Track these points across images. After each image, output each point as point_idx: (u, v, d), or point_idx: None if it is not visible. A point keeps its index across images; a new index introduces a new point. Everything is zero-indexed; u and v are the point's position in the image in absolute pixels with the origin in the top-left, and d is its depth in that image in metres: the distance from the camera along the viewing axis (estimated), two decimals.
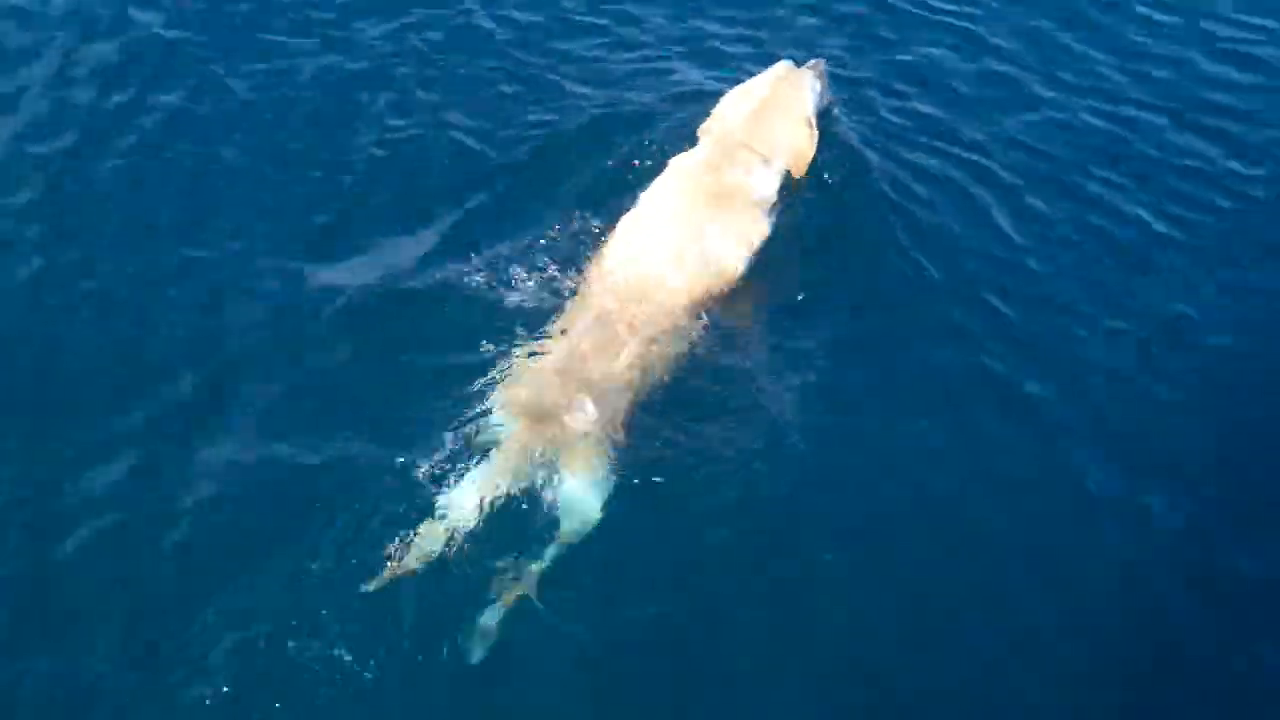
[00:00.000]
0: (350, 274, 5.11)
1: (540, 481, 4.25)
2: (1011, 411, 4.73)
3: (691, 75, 6.40)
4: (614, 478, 4.29)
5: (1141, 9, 6.93)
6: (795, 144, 5.23)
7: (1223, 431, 4.72)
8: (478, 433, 4.34)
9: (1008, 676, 3.96)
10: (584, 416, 4.33)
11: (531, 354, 4.61)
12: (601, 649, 3.91)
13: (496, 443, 4.30)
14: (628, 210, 5.10)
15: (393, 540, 4.04)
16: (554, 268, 5.00)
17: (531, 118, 6.00)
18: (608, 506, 4.23)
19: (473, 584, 4.02)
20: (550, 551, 4.12)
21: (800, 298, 5.07)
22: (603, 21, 6.77)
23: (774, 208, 5.15)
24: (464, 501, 4.16)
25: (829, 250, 5.28)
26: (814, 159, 5.29)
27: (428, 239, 5.31)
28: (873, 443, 4.60)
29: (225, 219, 5.46)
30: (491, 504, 4.15)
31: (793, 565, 4.22)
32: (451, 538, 4.08)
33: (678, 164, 5.17)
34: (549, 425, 4.32)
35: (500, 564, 4.06)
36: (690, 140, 5.37)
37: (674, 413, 4.53)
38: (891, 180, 5.65)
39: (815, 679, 3.92)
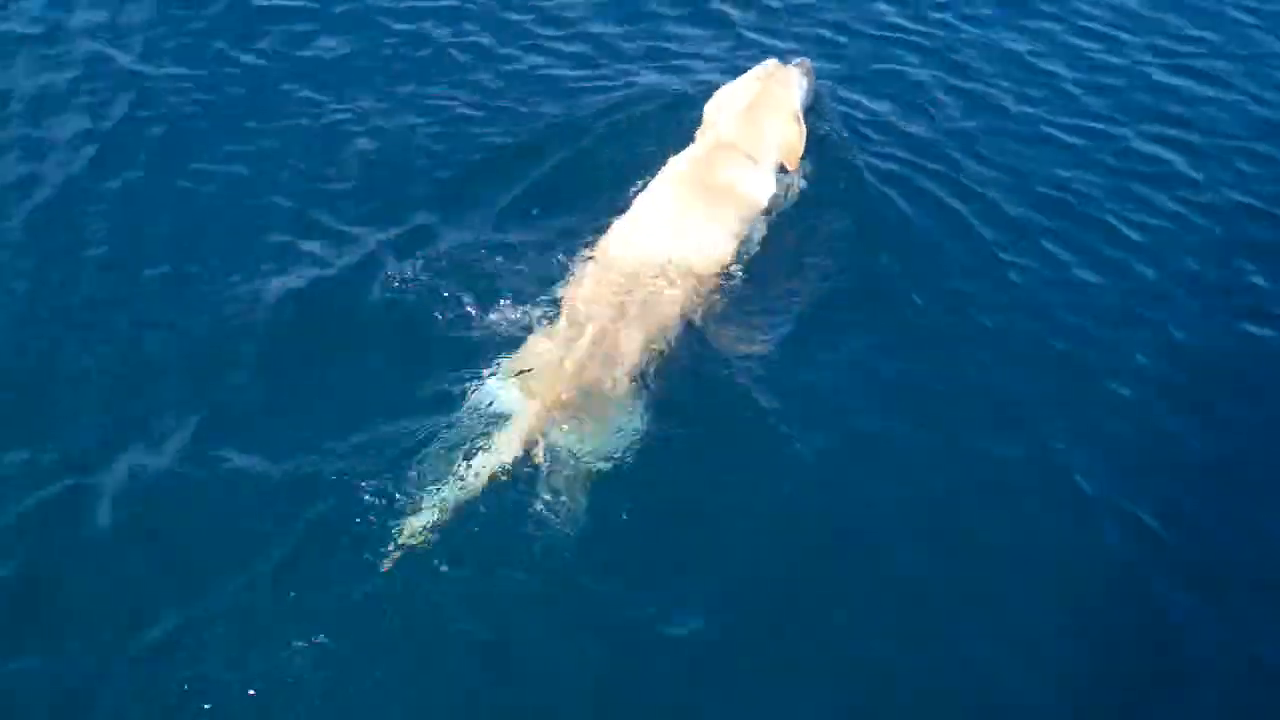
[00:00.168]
0: (346, 271, 5.16)
1: (548, 443, 4.35)
2: (1002, 413, 4.78)
3: (679, 76, 6.55)
4: (620, 427, 4.42)
5: (1101, 27, 7.09)
6: (786, 138, 5.47)
7: (1210, 430, 4.77)
8: (484, 409, 4.45)
9: (1006, 678, 3.97)
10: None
11: (533, 336, 4.72)
12: (595, 645, 3.94)
13: (502, 417, 4.41)
14: (627, 204, 5.25)
15: (403, 517, 4.10)
16: (557, 259, 5.13)
17: (526, 122, 6.10)
18: (619, 446, 4.37)
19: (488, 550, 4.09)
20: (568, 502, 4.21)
21: (791, 289, 5.19)
22: (594, 29, 6.93)
23: (766, 201, 5.31)
24: (475, 470, 4.22)
25: (819, 245, 5.39)
26: (803, 153, 5.46)
27: (425, 238, 5.34)
28: (861, 432, 4.66)
29: (217, 224, 5.48)
30: (502, 469, 4.23)
31: (782, 545, 4.28)
32: (466, 503, 4.15)
33: (674, 161, 5.37)
34: (551, 397, 4.44)
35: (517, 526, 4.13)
36: (685, 138, 5.55)
37: (663, 399, 4.62)
38: (877, 181, 5.78)
39: (813, 676, 3.94)
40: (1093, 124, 6.34)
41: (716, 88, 5.79)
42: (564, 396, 4.45)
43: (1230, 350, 5.15)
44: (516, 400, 4.46)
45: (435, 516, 4.09)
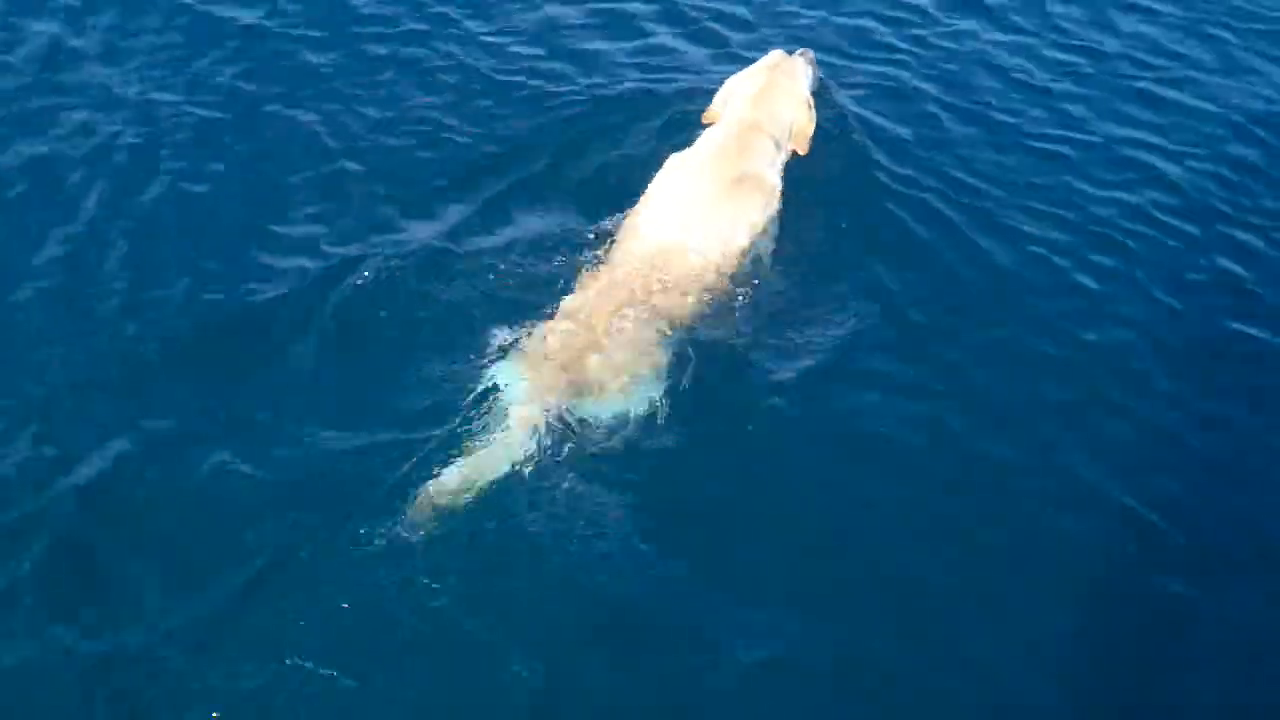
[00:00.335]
0: (377, 251, 5.24)
1: (556, 428, 4.42)
2: (1002, 412, 4.86)
3: (690, 68, 6.74)
4: (638, 398, 4.52)
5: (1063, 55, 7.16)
6: (796, 123, 5.65)
7: (1203, 426, 4.86)
8: (495, 395, 4.51)
9: (1009, 673, 4.02)
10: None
11: (554, 315, 4.82)
12: (596, 638, 3.97)
13: (512, 402, 4.46)
14: (640, 194, 5.37)
15: (412, 500, 4.15)
16: (576, 242, 5.26)
17: (544, 111, 6.23)
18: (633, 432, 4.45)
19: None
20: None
21: (805, 275, 5.30)
22: (600, 21, 7.10)
23: (778, 187, 5.46)
24: (484, 454, 4.28)
25: (830, 231, 5.56)
26: (813, 138, 5.65)
27: (448, 222, 5.45)
28: (864, 432, 4.73)
29: (225, 220, 5.54)
30: (510, 454, 4.29)
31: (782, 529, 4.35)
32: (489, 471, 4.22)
33: (688, 150, 5.53)
34: (570, 372, 4.56)
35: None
36: (697, 127, 5.72)
37: (670, 386, 4.69)
38: (880, 192, 5.89)
39: (818, 673, 3.97)
40: (1077, 134, 6.43)
41: (719, 83, 5.92)
42: (573, 382, 4.53)
43: (1219, 349, 5.22)
44: (527, 386, 4.52)
45: (444, 499, 4.13)
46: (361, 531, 4.06)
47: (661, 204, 5.25)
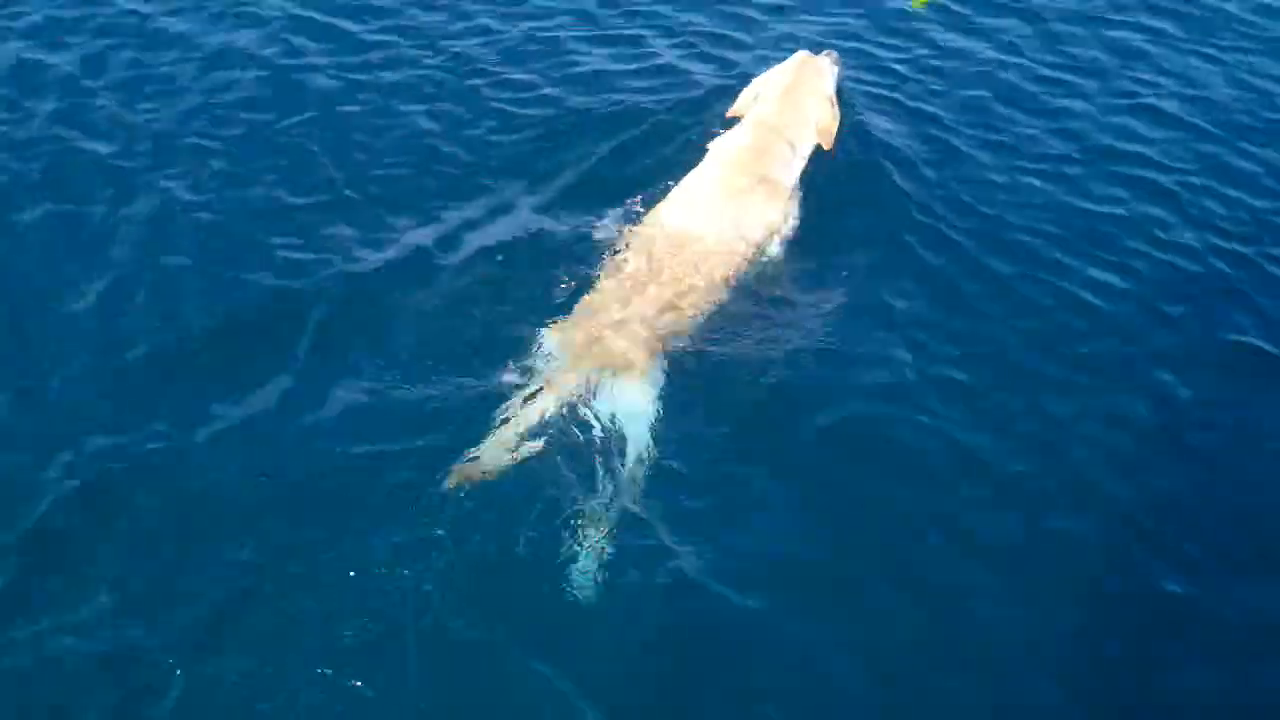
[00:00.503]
0: (418, 240, 5.54)
1: (594, 392, 4.64)
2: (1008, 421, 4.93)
3: (718, 68, 7.01)
4: (661, 387, 4.71)
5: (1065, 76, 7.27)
6: (821, 120, 5.90)
7: (1195, 438, 4.91)
8: (537, 362, 4.77)
9: (1006, 677, 4.06)
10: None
11: (584, 302, 5.05)
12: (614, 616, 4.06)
13: (554, 369, 4.71)
14: (673, 184, 5.64)
15: (461, 458, 4.32)
16: (608, 230, 5.50)
17: (572, 115, 6.51)
18: (656, 410, 4.63)
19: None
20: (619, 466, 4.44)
21: (818, 265, 5.52)
22: (634, 28, 7.42)
23: (795, 188, 5.70)
24: (527, 415, 4.48)
25: (847, 224, 5.79)
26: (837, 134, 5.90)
27: (487, 210, 5.73)
28: (870, 431, 4.83)
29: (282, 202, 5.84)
30: (554, 412, 4.52)
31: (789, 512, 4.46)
32: (516, 448, 4.38)
33: (717, 145, 5.78)
34: (598, 351, 4.77)
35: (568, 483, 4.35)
36: (725, 124, 5.99)
37: (692, 365, 4.91)
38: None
39: (827, 671, 4.02)
40: (1060, 167, 6.43)
41: (750, 78, 6.21)
42: (605, 356, 4.75)
43: (1218, 358, 5.26)
44: (562, 359, 4.75)
45: (481, 465, 4.30)
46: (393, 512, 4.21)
47: (684, 201, 5.48)
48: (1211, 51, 7.46)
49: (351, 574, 4.03)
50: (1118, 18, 7.78)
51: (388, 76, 6.78)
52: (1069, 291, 5.57)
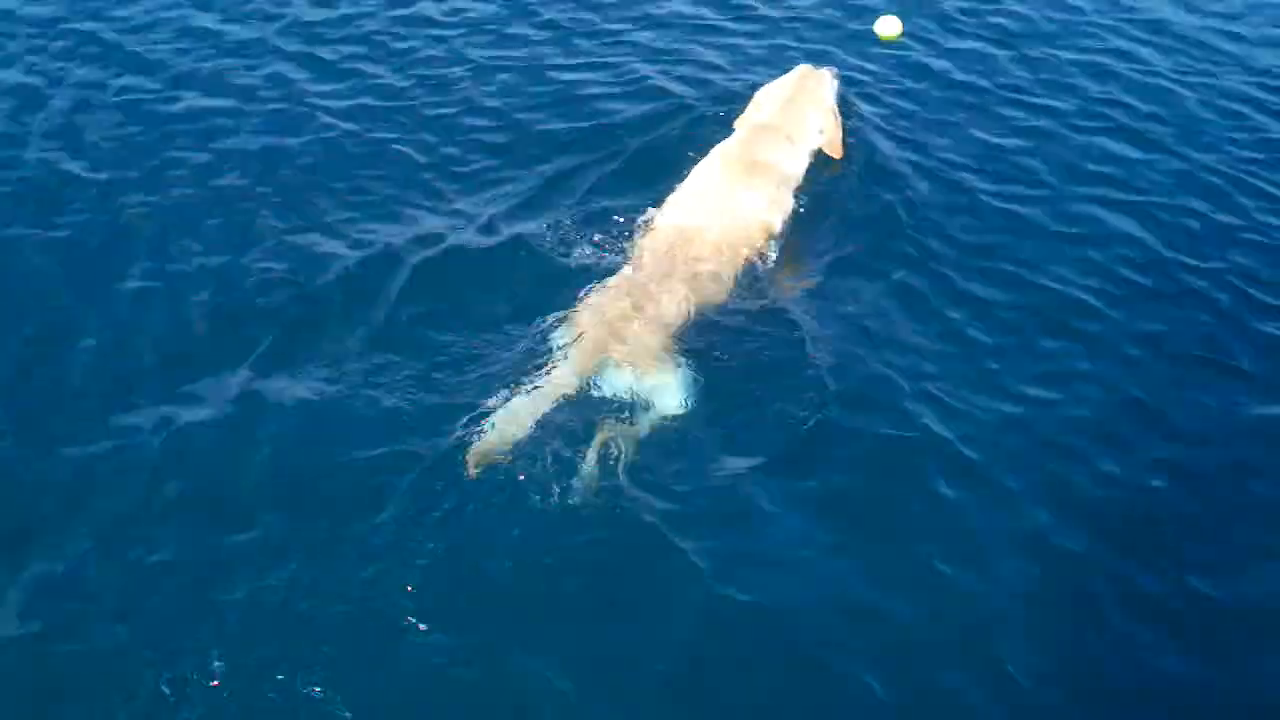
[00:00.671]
0: (432, 230, 5.91)
1: (603, 379, 4.91)
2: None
3: (722, 76, 7.39)
4: (669, 375, 4.96)
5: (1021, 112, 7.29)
6: (825, 130, 6.22)
7: (1166, 468, 4.95)
8: (546, 352, 4.99)
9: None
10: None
11: (592, 291, 5.30)
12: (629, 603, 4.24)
13: (563, 358, 4.93)
14: (679, 183, 5.94)
15: (468, 445, 4.53)
16: (617, 226, 5.82)
17: (588, 114, 6.97)
18: (665, 397, 4.89)
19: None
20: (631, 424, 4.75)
21: (822, 260, 5.83)
22: (641, 35, 7.84)
23: (798, 176, 6.04)
24: (535, 400, 4.73)
25: (845, 222, 6.10)
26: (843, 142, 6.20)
27: (500, 204, 6.10)
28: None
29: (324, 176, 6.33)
30: (563, 399, 4.77)
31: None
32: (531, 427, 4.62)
33: (720, 147, 6.08)
34: (607, 339, 5.00)
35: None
36: (729, 130, 6.28)
37: (701, 350, 5.18)
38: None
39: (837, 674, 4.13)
40: (1031, 190, 6.53)
41: (756, 88, 6.54)
42: (616, 342, 4.99)
43: (1182, 398, 5.29)
44: (576, 345, 4.97)
45: (496, 445, 4.52)
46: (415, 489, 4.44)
47: (688, 198, 5.81)
48: (1170, 88, 7.57)
49: (356, 560, 4.22)
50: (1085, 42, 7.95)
51: (415, 91, 7.18)
52: (1048, 302, 5.77)
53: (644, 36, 7.81)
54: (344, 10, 8.01)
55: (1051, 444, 5.00)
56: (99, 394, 4.97)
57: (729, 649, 4.15)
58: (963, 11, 8.23)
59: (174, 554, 4.30)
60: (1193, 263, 6.07)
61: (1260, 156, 6.89)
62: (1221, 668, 4.25)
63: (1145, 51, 7.91)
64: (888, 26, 7.46)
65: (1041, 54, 7.79)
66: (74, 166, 6.37)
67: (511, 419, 4.61)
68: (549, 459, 4.53)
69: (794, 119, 6.17)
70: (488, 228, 5.91)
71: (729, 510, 4.54)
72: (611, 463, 4.57)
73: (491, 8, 8.08)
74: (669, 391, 4.90)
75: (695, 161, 6.08)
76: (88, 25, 7.64)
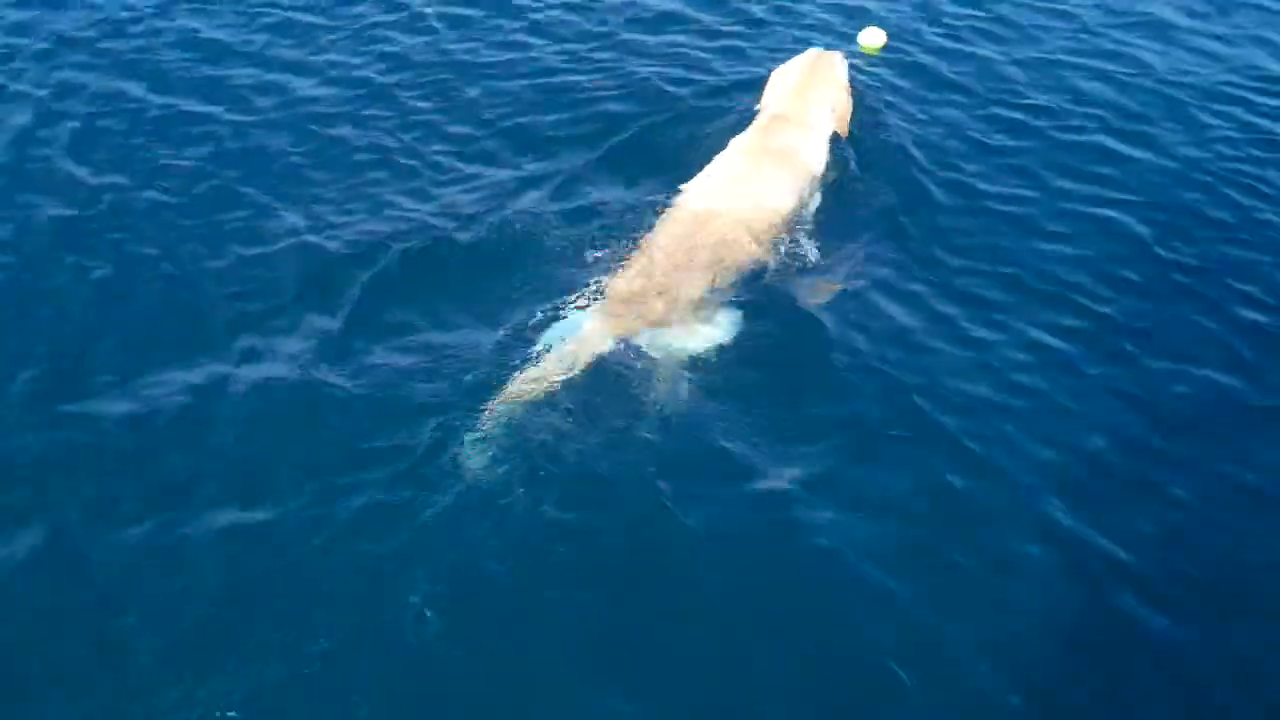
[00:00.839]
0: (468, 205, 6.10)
1: (625, 345, 5.05)
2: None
3: (740, 62, 7.57)
4: (692, 342, 5.10)
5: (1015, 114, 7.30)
6: (837, 106, 6.38)
7: (1168, 467, 4.93)
8: (566, 330, 5.09)
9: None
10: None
11: (621, 266, 5.43)
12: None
13: (579, 337, 5.05)
14: (702, 168, 6.06)
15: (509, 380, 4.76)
16: (641, 209, 5.94)
17: (614, 102, 7.09)
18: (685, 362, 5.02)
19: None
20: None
21: (839, 242, 5.92)
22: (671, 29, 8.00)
23: (818, 166, 6.14)
24: (552, 371, 4.86)
25: (860, 204, 6.20)
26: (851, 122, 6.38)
27: (536, 184, 6.27)
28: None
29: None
30: (585, 365, 4.93)
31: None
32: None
33: (743, 133, 6.21)
34: (630, 308, 5.16)
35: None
36: (750, 114, 6.46)
37: (717, 332, 5.25)
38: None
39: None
40: (1030, 192, 6.53)
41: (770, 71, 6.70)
42: (634, 322, 5.11)
43: (1181, 394, 5.27)
44: (593, 324, 5.10)
45: (516, 397, 4.69)
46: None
47: (711, 182, 5.92)
48: (1158, 90, 7.62)
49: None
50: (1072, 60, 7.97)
51: (407, 88, 7.24)
52: (1026, 330, 5.63)
53: (636, 32, 7.94)
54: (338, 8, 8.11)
55: (1064, 440, 5.00)
56: (108, 369, 5.07)
57: (745, 636, 4.14)
58: (952, 14, 8.36)
59: (173, 542, 4.29)
60: (1182, 280, 6.05)
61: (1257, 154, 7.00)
62: (1238, 660, 4.25)
63: (1137, 51, 8.05)
64: (871, 38, 7.62)
65: (1034, 54, 7.90)
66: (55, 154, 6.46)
67: (539, 372, 4.81)
68: (553, 440, 4.61)
69: (809, 102, 6.34)
70: (506, 207, 6.05)
71: (731, 493, 4.57)
72: (617, 439, 4.65)
73: (479, 10, 8.18)
74: (688, 349, 5.05)
75: (717, 145, 6.22)
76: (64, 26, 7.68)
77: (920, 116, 7.09)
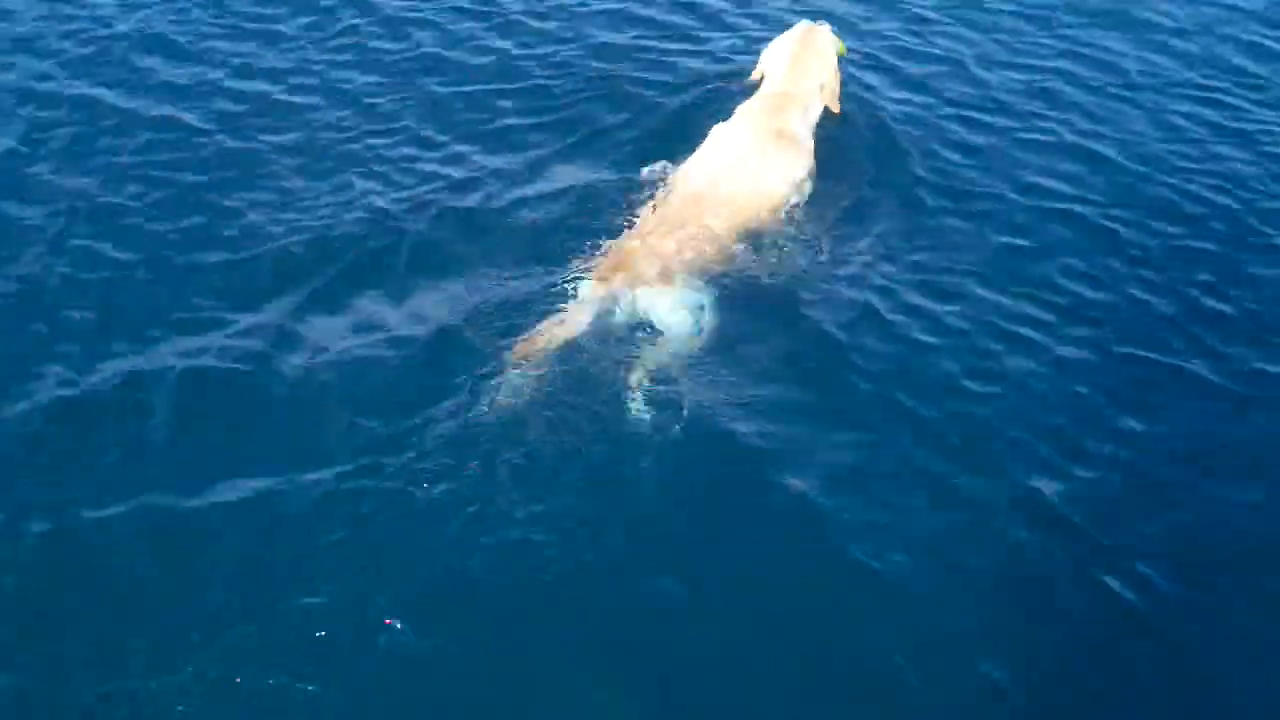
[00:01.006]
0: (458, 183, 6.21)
1: (624, 305, 5.13)
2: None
3: (736, 38, 7.79)
4: (689, 303, 5.18)
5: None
6: (827, 80, 6.49)
7: (1155, 460, 4.96)
8: (564, 299, 5.17)
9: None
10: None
11: (618, 239, 5.49)
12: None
13: (578, 303, 5.15)
14: (697, 145, 6.13)
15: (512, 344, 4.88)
16: (638, 185, 6.04)
17: (610, 83, 7.21)
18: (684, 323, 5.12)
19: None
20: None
21: (832, 214, 6.06)
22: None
23: (810, 145, 6.23)
24: (551, 335, 4.95)
25: (857, 182, 6.35)
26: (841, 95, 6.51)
27: (529, 160, 6.41)
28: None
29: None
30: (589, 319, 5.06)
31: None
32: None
33: (736, 112, 6.30)
34: (629, 272, 5.24)
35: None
36: (743, 89, 6.62)
37: (713, 306, 5.34)
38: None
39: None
40: (1005, 189, 6.58)
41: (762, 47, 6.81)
42: (632, 290, 5.20)
43: (1158, 385, 5.33)
44: (592, 292, 5.20)
45: (540, 345, 4.85)
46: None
47: (709, 155, 6.02)
48: (1126, 94, 7.70)
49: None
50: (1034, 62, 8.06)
51: (418, 68, 7.41)
52: (1006, 323, 5.66)
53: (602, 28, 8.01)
54: None
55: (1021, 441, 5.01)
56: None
57: (745, 624, 4.14)
58: (919, 13, 8.48)
59: (157, 535, 4.27)
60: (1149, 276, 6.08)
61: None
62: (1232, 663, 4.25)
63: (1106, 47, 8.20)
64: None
65: (1002, 52, 8.00)
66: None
67: (557, 324, 4.96)
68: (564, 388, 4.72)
69: (802, 76, 6.44)
70: (504, 182, 6.19)
71: (733, 474, 4.62)
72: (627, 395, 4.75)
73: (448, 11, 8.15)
74: (683, 317, 5.12)
75: (713, 120, 6.31)
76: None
77: (889, 114, 7.15)
